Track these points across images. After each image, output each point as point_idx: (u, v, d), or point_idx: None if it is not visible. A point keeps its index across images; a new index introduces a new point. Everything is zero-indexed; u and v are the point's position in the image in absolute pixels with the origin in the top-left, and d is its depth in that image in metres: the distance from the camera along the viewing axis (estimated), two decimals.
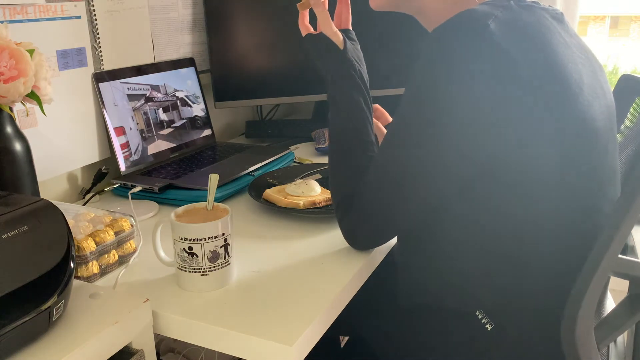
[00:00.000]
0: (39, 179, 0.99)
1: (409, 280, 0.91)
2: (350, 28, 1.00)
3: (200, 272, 0.81)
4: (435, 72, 0.73)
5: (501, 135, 0.72)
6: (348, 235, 0.90)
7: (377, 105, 1.19)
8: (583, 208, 0.78)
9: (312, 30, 0.98)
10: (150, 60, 1.38)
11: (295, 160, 1.44)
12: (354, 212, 0.86)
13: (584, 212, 0.79)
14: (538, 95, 0.72)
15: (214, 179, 0.85)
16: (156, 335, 0.77)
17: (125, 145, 1.25)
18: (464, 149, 0.74)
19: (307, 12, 0.99)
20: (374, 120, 1.11)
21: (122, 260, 0.89)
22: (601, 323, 0.84)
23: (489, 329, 0.82)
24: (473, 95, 0.71)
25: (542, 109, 0.73)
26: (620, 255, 0.76)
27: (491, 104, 0.71)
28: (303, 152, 1.53)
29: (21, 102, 0.92)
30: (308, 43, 0.97)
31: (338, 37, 0.94)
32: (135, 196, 1.13)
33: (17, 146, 0.93)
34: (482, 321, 0.82)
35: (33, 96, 0.92)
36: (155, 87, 1.35)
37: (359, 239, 0.90)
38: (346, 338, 1.30)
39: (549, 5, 0.84)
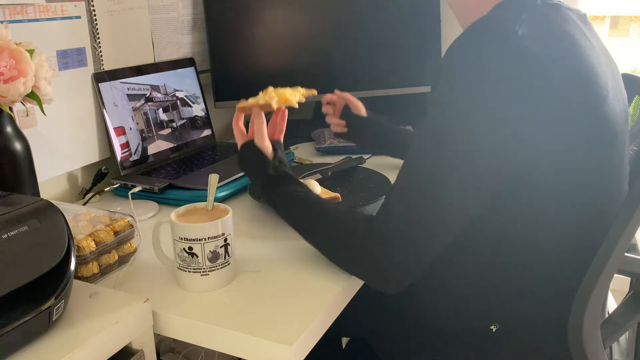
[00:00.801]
0: (39, 179, 0.99)
1: (412, 290, 0.89)
2: (282, 139, 1.01)
3: (200, 272, 0.81)
4: (463, 79, 0.71)
5: (529, 141, 0.71)
6: (388, 282, 0.77)
7: (346, 94, 1.25)
8: (597, 211, 0.78)
9: (245, 134, 0.99)
10: (150, 60, 1.37)
11: (295, 160, 1.44)
12: (381, 256, 0.76)
13: (597, 215, 0.78)
14: (569, 99, 0.71)
15: (214, 179, 0.85)
16: (156, 335, 0.77)
17: (125, 145, 1.25)
18: (492, 157, 0.72)
19: (243, 115, 1.01)
20: (354, 100, 1.23)
21: (122, 260, 0.89)
22: (606, 321, 0.85)
23: (493, 330, 0.82)
24: (503, 102, 0.69)
25: (572, 113, 0.72)
26: (626, 254, 0.76)
27: (521, 110, 0.69)
28: (303, 152, 1.53)
29: (21, 102, 0.92)
30: (240, 155, 0.98)
31: (268, 150, 0.95)
32: (135, 196, 1.13)
33: (17, 146, 0.93)
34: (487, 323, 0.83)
35: (33, 96, 0.92)
36: (155, 87, 1.35)
37: (400, 278, 0.77)
38: (347, 339, 1.30)
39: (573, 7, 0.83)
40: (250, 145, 0.95)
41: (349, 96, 1.25)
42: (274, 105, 0.97)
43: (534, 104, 0.69)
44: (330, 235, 0.84)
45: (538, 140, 0.71)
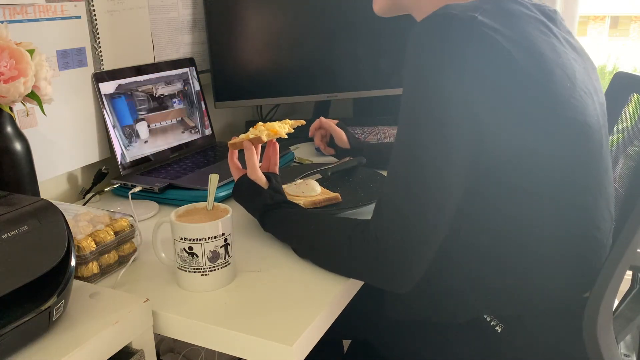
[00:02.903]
0: (39, 179, 0.99)
1: (413, 289, 0.88)
2: (277, 172, 1.04)
3: (200, 272, 0.81)
4: (424, 67, 0.71)
5: (499, 130, 0.71)
6: (397, 281, 0.78)
7: (330, 124, 1.31)
8: (582, 203, 0.78)
9: (241, 169, 1.02)
10: (150, 60, 1.37)
11: (295, 160, 1.44)
12: (386, 257, 0.76)
13: (583, 208, 0.79)
14: (531, 87, 0.72)
15: (214, 179, 0.85)
16: (156, 335, 0.77)
17: (125, 145, 1.25)
18: (466, 147, 0.72)
19: (236, 151, 1.04)
20: (336, 130, 1.29)
21: (122, 260, 0.89)
22: (617, 316, 0.85)
23: (499, 331, 0.82)
24: (466, 86, 0.69)
25: (535, 101, 0.72)
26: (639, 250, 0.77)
27: (487, 95, 0.70)
28: (303, 152, 1.53)
29: (21, 102, 0.92)
30: (235, 188, 1.01)
31: (262, 180, 0.98)
32: (135, 196, 1.13)
33: (17, 146, 0.93)
34: (492, 324, 0.82)
35: (33, 96, 0.92)
36: (155, 87, 1.35)
37: (408, 274, 0.77)
38: (349, 342, 1.30)
39: (542, 3, 0.84)
40: (244, 179, 0.99)
41: (331, 126, 1.32)
42: (264, 138, 1.01)
43: (497, 91, 0.70)
44: (329, 251, 0.85)
45: (500, 128, 0.71)
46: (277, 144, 1.06)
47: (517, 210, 0.77)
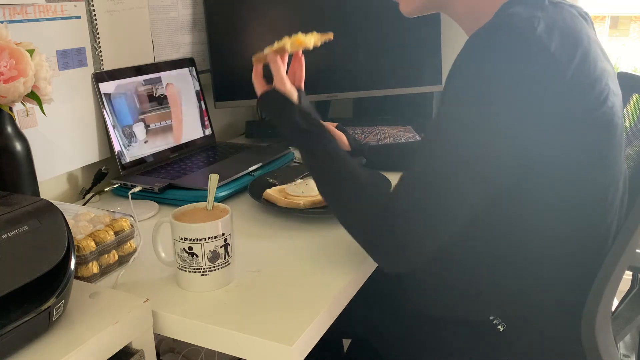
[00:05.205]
0: (39, 179, 0.99)
1: (417, 289, 0.88)
2: (302, 87, 1.00)
3: (200, 272, 0.81)
4: (482, 75, 0.71)
5: (543, 138, 0.71)
6: (391, 259, 0.80)
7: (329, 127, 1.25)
8: (600, 203, 0.78)
9: (265, 85, 0.98)
10: (150, 60, 1.37)
11: (295, 160, 1.44)
12: (392, 231, 0.77)
13: (601, 208, 0.79)
14: (578, 97, 0.72)
15: (214, 179, 0.85)
16: (156, 335, 0.77)
17: (125, 145, 1.25)
18: (506, 154, 0.72)
19: (261, 66, 0.99)
20: (336, 133, 1.23)
21: (122, 260, 0.89)
22: (615, 317, 0.85)
23: (501, 330, 0.82)
24: (521, 98, 0.70)
25: (579, 111, 0.72)
26: (638, 250, 0.77)
27: (538, 107, 0.70)
28: None
29: (21, 102, 0.92)
30: (263, 100, 0.96)
31: (292, 94, 0.94)
32: (135, 196, 1.13)
33: (17, 146, 0.93)
34: (494, 322, 0.83)
35: (33, 96, 0.92)
36: (155, 87, 1.35)
37: (405, 258, 0.79)
38: (348, 341, 1.30)
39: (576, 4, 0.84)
40: (272, 91, 0.94)
41: (331, 129, 1.27)
42: (289, 48, 0.94)
43: (545, 98, 0.70)
44: (351, 204, 0.83)
45: (544, 136, 0.71)
46: (303, 58, 1.00)
47: (539, 217, 0.77)
